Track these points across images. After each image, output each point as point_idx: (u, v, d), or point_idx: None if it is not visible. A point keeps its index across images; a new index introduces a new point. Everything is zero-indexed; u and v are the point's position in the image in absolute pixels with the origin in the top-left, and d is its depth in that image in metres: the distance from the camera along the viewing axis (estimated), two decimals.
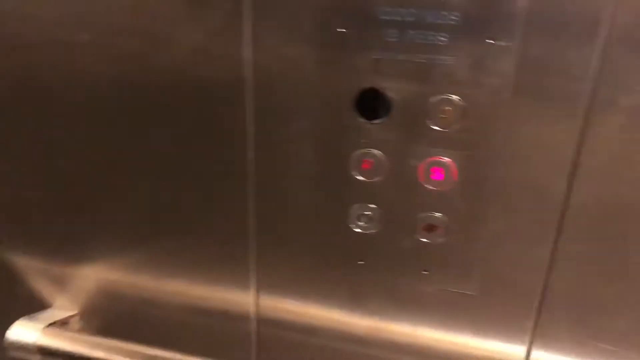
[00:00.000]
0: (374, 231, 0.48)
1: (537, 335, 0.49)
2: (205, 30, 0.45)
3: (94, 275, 0.58)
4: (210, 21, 0.44)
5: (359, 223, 0.48)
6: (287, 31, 0.43)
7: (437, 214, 0.46)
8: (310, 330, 0.54)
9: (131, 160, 0.52)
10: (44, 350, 0.56)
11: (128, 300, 0.58)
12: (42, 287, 0.61)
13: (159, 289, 0.57)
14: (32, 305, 0.61)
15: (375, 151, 0.45)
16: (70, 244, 0.58)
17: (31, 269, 0.60)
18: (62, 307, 0.60)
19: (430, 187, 0.45)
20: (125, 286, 0.58)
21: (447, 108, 0.42)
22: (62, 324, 0.58)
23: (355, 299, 0.52)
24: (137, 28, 0.47)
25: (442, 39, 0.39)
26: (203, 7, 0.44)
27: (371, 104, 0.43)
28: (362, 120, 0.44)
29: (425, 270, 0.49)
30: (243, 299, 0.55)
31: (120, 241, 0.56)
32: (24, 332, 0.57)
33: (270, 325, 0.55)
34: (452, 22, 0.39)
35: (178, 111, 0.49)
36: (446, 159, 0.44)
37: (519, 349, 0.50)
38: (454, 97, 0.41)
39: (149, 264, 0.56)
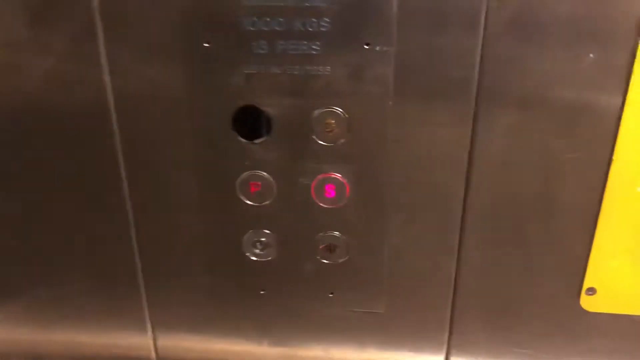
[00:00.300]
0: (271, 258, 0.44)
1: (453, 344, 0.47)
2: (56, 55, 0.39)
3: None
4: (60, 45, 0.39)
5: (255, 250, 0.44)
6: (148, 50, 0.38)
7: (336, 233, 0.43)
8: None
9: None
10: None
11: (11, 358, 0.52)
12: None
13: (46, 341, 0.51)
14: None
15: (262, 173, 0.41)
16: None
17: None
18: None
19: (325, 205, 0.42)
20: (3, 343, 0.51)
21: (330, 121, 0.39)
22: None
23: (261, 330, 0.48)
24: None
25: (315, 48, 0.36)
26: (49, 31, 0.39)
27: (250, 122, 0.40)
28: (243, 140, 0.40)
29: (330, 293, 0.45)
30: (141, 342, 0.50)
31: None
32: None
33: None
34: (324, 29, 0.35)
35: (43, 146, 0.43)
36: (337, 175, 0.41)
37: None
38: (337, 109, 0.38)
39: (28, 316, 0.50)
